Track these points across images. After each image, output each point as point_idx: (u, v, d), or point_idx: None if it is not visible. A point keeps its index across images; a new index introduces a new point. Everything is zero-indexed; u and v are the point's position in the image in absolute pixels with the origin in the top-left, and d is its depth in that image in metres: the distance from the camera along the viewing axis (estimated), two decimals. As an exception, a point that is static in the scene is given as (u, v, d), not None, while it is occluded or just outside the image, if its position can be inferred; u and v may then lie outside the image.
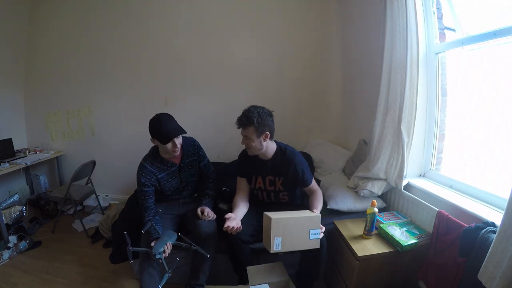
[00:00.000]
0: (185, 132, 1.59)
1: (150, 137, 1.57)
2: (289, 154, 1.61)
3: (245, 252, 1.57)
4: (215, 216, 1.67)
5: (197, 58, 2.87)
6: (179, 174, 1.71)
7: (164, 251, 1.43)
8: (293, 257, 1.70)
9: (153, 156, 1.65)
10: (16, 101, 3.12)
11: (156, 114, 1.57)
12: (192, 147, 1.77)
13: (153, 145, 1.67)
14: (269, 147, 1.59)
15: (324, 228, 1.43)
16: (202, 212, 1.63)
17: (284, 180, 1.62)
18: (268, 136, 1.54)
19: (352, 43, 2.54)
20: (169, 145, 1.53)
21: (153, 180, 1.63)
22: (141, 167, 1.61)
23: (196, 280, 1.58)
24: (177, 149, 1.57)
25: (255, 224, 1.59)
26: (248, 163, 1.67)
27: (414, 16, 1.57)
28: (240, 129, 1.54)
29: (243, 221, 1.53)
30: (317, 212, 1.49)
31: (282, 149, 1.63)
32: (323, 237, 1.46)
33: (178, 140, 1.56)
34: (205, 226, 1.62)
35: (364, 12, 2.22)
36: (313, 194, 1.64)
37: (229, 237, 1.50)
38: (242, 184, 1.73)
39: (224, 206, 1.90)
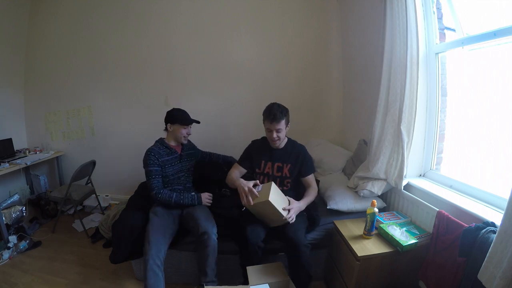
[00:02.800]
0: (199, 122, 1.96)
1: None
2: (298, 144, 1.86)
3: (258, 256, 1.60)
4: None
5: (197, 58, 2.87)
6: (180, 162, 1.92)
7: None
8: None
9: (159, 143, 1.90)
10: (16, 101, 3.12)
11: (178, 108, 1.94)
12: (188, 142, 2.03)
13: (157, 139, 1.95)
14: (285, 137, 1.82)
15: (291, 213, 1.58)
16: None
17: (291, 167, 1.78)
18: (289, 127, 1.79)
19: (352, 43, 2.54)
20: (184, 131, 1.88)
21: (159, 160, 1.81)
22: (149, 150, 1.83)
23: (205, 277, 1.59)
24: (188, 135, 1.92)
25: (266, 229, 1.67)
26: (260, 150, 1.82)
27: (414, 16, 1.57)
28: (269, 124, 1.69)
29: (258, 228, 1.63)
30: (303, 201, 1.69)
31: (291, 140, 1.86)
32: (299, 237, 1.55)
33: (190, 131, 1.93)
34: (203, 219, 1.69)
35: (364, 12, 2.22)
36: (309, 189, 1.79)
37: (246, 240, 1.57)
38: (238, 170, 1.82)
39: (227, 191, 2.02)
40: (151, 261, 1.52)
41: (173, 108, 1.94)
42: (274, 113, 1.66)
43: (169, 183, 1.87)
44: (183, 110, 1.93)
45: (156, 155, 1.80)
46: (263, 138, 1.88)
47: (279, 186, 1.79)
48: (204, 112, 2.90)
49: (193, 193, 1.88)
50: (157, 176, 1.79)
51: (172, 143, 1.92)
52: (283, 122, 1.69)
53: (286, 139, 1.83)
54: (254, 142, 1.93)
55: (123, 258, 1.79)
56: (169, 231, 1.70)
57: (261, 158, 1.81)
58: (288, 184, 1.81)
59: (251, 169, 1.85)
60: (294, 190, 1.83)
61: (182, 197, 1.81)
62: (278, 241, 1.70)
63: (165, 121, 1.90)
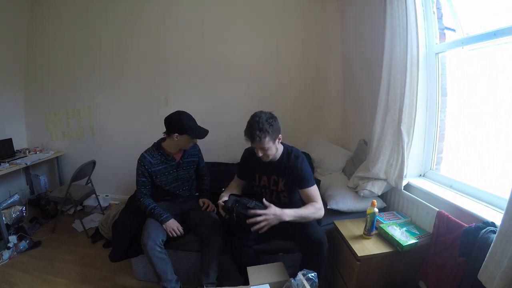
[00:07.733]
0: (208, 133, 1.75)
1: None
2: (293, 156, 1.58)
3: (249, 255, 1.58)
4: (215, 207, 1.77)
5: (197, 58, 2.87)
6: (176, 170, 1.78)
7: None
8: (293, 257, 1.71)
9: (155, 149, 1.73)
10: (16, 101, 3.12)
11: (182, 111, 1.69)
12: (192, 148, 1.86)
13: (156, 140, 1.78)
14: (279, 148, 1.58)
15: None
16: (204, 203, 1.79)
17: (286, 182, 1.61)
18: (280, 138, 1.53)
19: (352, 43, 2.54)
20: (192, 142, 1.74)
21: (149, 171, 1.69)
22: (141, 157, 1.70)
23: (207, 279, 1.58)
24: (192, 145, 1.77)
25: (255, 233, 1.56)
26: (253, 163, 1.63)
27: (414, 16, 1.57)
28: (250, 143, 1.47)
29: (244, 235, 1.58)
30: (289, 210, 1.43)
31: (288, 151, 1.61)
32: (324, 235, 1.49)
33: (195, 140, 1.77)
34: (211, 222, 1.64)
35: (364, 12, 2.22)
36: (308, 202, 1.54)
37: (233, 240, 1.55)
38: (236, 183, 1.75)
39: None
40: (151, 251, 1.52)
41: (180, 114, 1.65)
42: (251, 133, 1.40)
43: (163, 193, 1.79)
44: (192, 118, 1.68)
45: (146, 165, 1.67)
46: None
47: (275, 200, 1.66)
48: (203, 112, 2.89)
49: (168, 214, 1.67)
50: (143, 187, 1.70)
51: (172, 150, 1.73)
52: (266, 140, 1.41)
53: (281, 148, 1.61)
54: (247, 152, 1.72)
55: (123, 256, 1.78)
56: None
57: (256, 171, 1.66)
58: (286, 198, 1.66)
59: (249, 180, 1.72)
60: (294, 205, 1.61)
61: (155, 212, 1.66)
62: (279, 241, 1.69)
63: (170, 129, 1.64)
